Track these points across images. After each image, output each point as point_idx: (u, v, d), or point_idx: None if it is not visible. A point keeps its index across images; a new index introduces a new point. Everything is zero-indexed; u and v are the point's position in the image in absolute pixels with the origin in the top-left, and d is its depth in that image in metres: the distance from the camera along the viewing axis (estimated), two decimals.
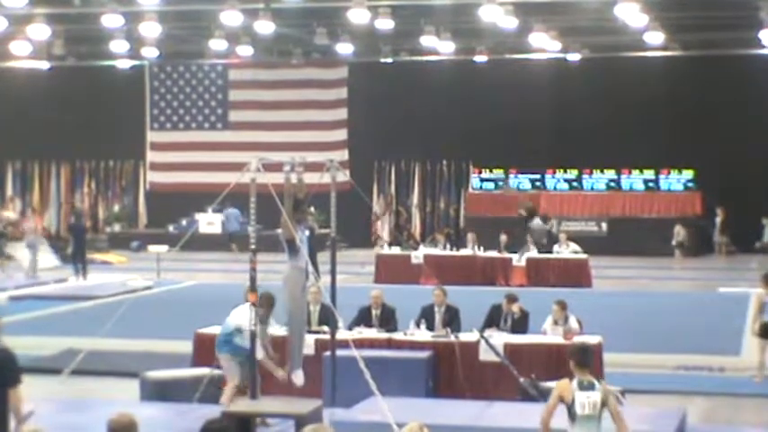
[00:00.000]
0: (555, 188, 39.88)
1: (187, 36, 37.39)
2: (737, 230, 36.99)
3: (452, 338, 16.02)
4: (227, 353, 13.91)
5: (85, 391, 16.23)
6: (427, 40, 34.72)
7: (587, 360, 9.67)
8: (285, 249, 13.77)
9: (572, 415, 9.38)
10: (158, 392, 14.86)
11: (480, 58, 39.26)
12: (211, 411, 11.79)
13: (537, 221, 31.67)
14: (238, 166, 13.40)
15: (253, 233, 13.10)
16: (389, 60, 40.52)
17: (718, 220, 36.96)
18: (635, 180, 39.21)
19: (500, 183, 40.00)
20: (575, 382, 9.44)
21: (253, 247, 13.01)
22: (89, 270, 31.60)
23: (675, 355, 18.84)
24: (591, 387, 9.41)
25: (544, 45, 35.52)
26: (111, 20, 30.40)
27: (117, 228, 43.78)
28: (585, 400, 9.33)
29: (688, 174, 38.57)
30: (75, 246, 32.09)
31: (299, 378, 13.94)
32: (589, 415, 9.34)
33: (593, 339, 15.32)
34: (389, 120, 41.32)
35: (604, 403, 9.40)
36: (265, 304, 13.67)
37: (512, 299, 17.13)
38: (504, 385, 15.09)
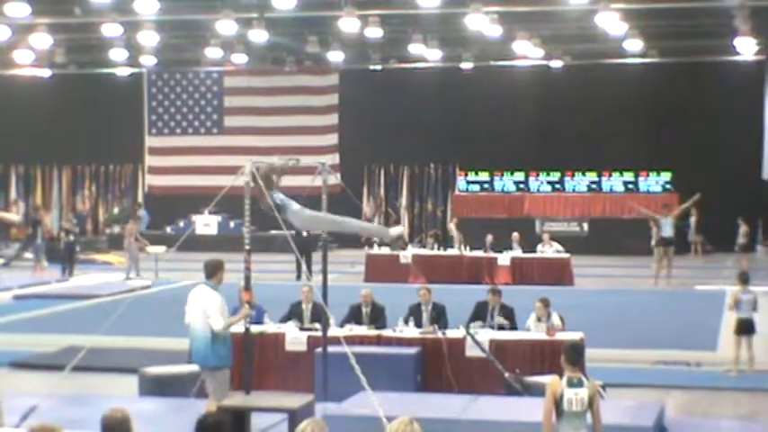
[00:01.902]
0: (538, 190, 40.11)
1: (184, 44, 37.88)
2: (714, 231, 37.27)
3: (440, 335, 16.01)
4: (216, 363, 12.74)
5: (86, 386, 16.29)
6: (415, 48, 35.27)
7: (578, 358, 9.70)
8: (276, 214, 13.38)
9: (559, 411, 9.38)
10: (157, 388, 14.93)
11: (466, 65, 39.80)
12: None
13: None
14: (233, 170, 13.54)
15: (247, 234, 13.22)
16: (379, 67, 41.03)
17: (693, 219, 37.36)
18: (615, 182, 39.52)
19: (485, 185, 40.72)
20: (564, 379, 9.46)
21: (247, 247, 13.14)
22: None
23: (654, 351, 19.03)
24: (580, 384, 9.44)
25: (528, 52, 35.92)
26: (111, 29, 30.96)
27: (117, 229, 43.55)
28: (574, 397, 9.36)
29: (666, 176, 38.90)
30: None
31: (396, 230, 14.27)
32: (576, 412, 9.37)
33: (575, 336, 15.38)
34: (379, 124, 41.62)
35: (591, 400, 9.43)
36: (213, 271, 12.76)
37: (496, 291, 17.29)
38: (490, 380, 15.12)
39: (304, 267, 22.68)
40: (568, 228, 38.77)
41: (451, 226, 33.99)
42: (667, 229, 30.31)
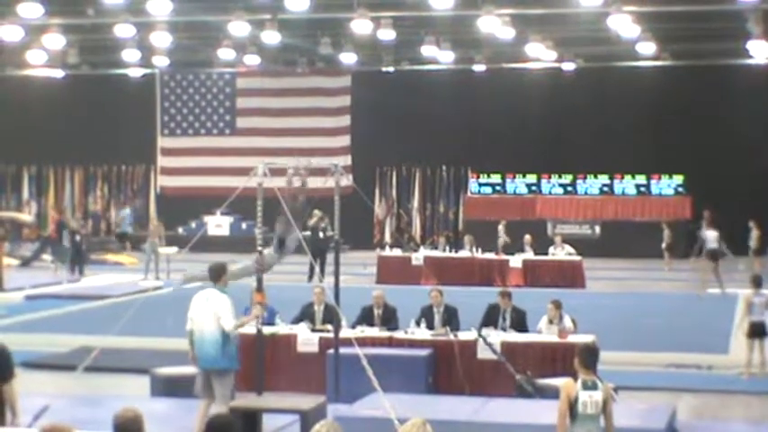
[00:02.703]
0: (550, 192, 40.15)
1: (196, 45, 37.94)
2: (725, 233, 37.30)
3: (451, 337, 16.10)
4: (226, 365, 12.83)
5: (98, 386, 16.43)
6: (427, 50, 35.19)
7: (592, 361, 9.58)
8: (274, 244, 13.84)
9: (573, 414, 9.33)
10: (168, 388, 15.04)
11: (479, 68, 39.90)
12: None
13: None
14: (246, 171, 13.75)
15: (259, 235, 13.40)
16: (391, 69, 41.15)
17: (704, 223, 37.20)
18: (627, 185, 39.56)
19: (497, 187, 40.76)
20: (579, 382, 9.40)
21: (259, 248, 13.34)
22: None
23: (666, 354, 19.11)
24: (594, 387, 9.39)
25: (540, 55, 35.96)
26: (124, 30, 31.03)
27: (128, 230, 44.09)
28: (588, 400, 9.31)
29: (678, 179, 38.99)
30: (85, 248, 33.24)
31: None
32: (590, 414, 9.32)
33: (586, 338, 15.11)
34: (391, 126, 41.63)
35: (605, 403, 9.39)
36: (218, 275, 12.87)
37: (506, 294, 17.29)
38: (501, 382, 15.20)
39: (317, 269, 22.68)
40: (580, 230, 38.80)
41: (501, 228, 33.73)
42: (712, 241, 29.90)
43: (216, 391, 12.66)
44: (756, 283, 18.00)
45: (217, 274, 12.76)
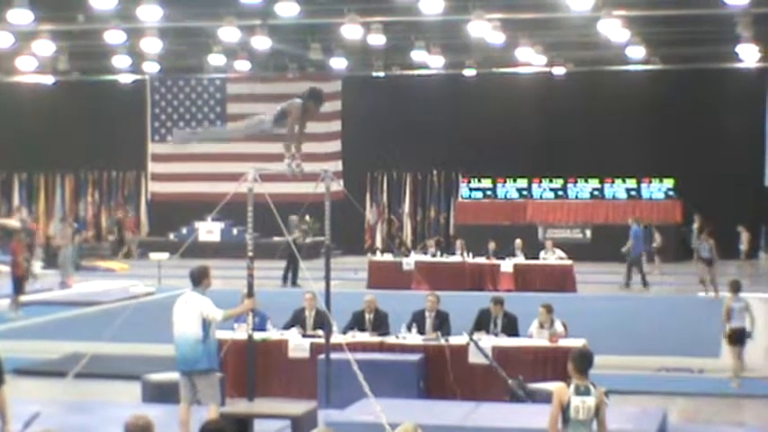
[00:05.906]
0: (541, 197, 40.22)
1: (187, 51, 37.84)
2: (716, 238, 37.40)
3: (443, 342, 16.11)
4: (208, 365, 12.77)
5: (89, 393, 16.39)
6: (418, 55, 35.34)
7: (586, 365, 9.52)
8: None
9: (565, 419, 9.29)
10: (159, 394, 14.88)
11: (469, 72, 39.84)
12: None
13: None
14: (236, 177, 13.68)
15: (250, 241, 13.42)
16: (382, 74, 41.09)
17: (695, 226, 37.31)
18: (617, 189, 39.65)
19: (488, 192, 40.79)
20: (571, 387, 9.36)
21: (250, 254, 13.33)
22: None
23: (657, 357, 19.12)
24: (587, 392, 9.33)
25: (530, 59, 35.98)
26: (114, 36, 31.05)
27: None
28: (580, 405, 9.26)
29: (669, 183, 39.08)
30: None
31: None
32: (583, 420, 9.28)
33: (577, 342, 15.36)
34: (382, 131, 41.69)
35: (598, 409, 9.33)
36: (199, 278, 12.81)
37: (499, 301, 17.17)
38: (493, 387, 15.17)
39: (304, 272, 22.68)
40: (571, 234, 38.82)
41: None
42: (705, 252, 29.84)
43: (202, 394, 12.63)
44: (735, 288, 17.69)
45: (198, 278, 12.74)
